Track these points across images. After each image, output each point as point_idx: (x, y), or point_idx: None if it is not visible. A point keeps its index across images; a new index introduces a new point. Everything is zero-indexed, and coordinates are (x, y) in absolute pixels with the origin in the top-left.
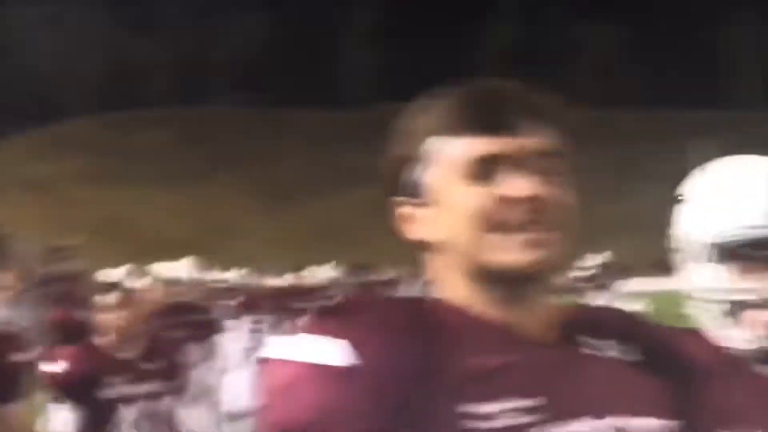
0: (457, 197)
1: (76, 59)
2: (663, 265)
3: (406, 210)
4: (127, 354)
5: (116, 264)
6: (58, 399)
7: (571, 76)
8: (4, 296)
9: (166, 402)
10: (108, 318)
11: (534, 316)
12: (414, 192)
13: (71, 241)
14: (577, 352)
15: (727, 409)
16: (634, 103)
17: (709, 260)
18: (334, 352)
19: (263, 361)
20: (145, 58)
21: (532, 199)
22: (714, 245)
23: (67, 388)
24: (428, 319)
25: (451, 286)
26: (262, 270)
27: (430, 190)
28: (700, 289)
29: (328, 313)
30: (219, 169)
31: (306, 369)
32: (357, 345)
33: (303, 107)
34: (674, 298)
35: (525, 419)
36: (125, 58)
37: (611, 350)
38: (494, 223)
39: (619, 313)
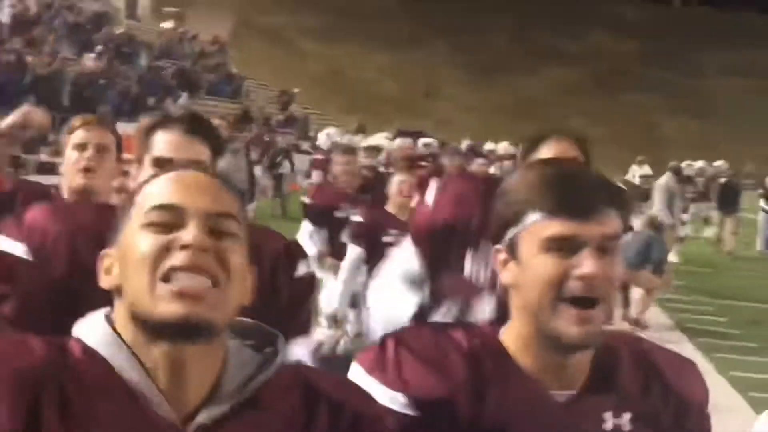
0: (539, 265)
1: None
2: None
3: (502, 257)
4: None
5: (333, 113)
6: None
7: None
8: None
9: None
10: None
11: (566, 373)
12: (511, 247)
13: (295, 88)
14: (597, 408)
15: None
16: None
17: None
18: None
19: None
20: None
21: (600, 277)
22: None
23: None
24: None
25: (516, 329)
26: None
27: (521, 252)
28: None
29: None
30: (435, 38)
31: None
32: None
33: None
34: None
35: None
36: None
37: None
38: (564, 295)
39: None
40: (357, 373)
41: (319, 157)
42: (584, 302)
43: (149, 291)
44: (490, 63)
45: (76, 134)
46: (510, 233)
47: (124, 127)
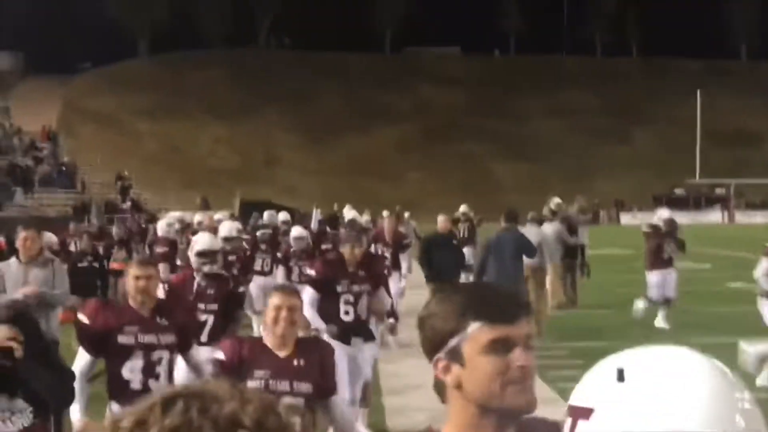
0: (487, 363)
1: (138, 5)
2: (660, 200)
3: (443, 364)
4: None
5: (171, 190)
6: None
7: (578, 24)
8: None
9: None
10: None
11: None
12: (453, 354)
13: (126, 170)
14: None
15: None
16: (641, 52)
17: None
18: None
19: None
20: (197, 4)
21: (531, 366)
22: None
23: None
24: None
25: (456, 422)
26: None
27: (466, 356)
28: None
29: None
30: (264, 106)
31: None
32: None
33: (339, 50)
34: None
35: None
36: (180, 5)
37: None
38: (509, 381)
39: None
40: None
41: (161, 249)
42: (523, 381)
43: None
44: (323, 126)
45: None
46: (452, 342)
47: None
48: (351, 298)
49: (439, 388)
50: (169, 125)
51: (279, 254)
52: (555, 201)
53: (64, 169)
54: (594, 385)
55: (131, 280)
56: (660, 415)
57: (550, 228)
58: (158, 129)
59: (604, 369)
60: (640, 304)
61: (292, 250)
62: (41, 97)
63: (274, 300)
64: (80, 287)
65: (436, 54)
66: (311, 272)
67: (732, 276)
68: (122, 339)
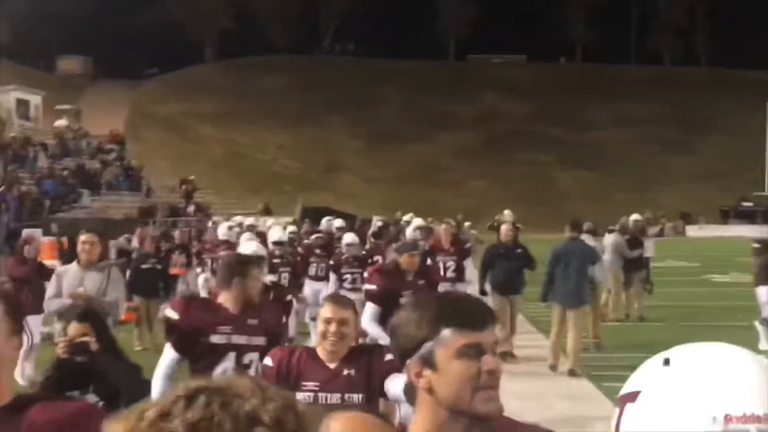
0: (459, 368)
1: (205, 11)
2: (728, 213)
3: (417, 369)
4: None
5: (235, 195)
6: None
7: (646, 33)
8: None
9: None
10: None
11: None
12: (426, 359)
13: (191, 175)
14: None
15: None
16: (709, 62)
17: None
18: None
19: None
20: (263, 11)
21: (499, 371)
22: None
23: None
24: None
25: (422, 424)
26: None
27: (438, 361)
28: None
29: None
30: (327, 112)
31: None
32: None
33: (403, 57)
34: (734, 245)
35: None
36: (248, 11)
37: None
38: (479, 386)
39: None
40: None
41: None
42: (489, 388)
43: None
44: (385, 133)
45: None
46: (425, 348)
47: (30, 233)
48: None
49: (410, 391)
50: (233, 131)
51: (331, 261)
52: (633, 217)
53: (130, 172)
54: (641, 372)
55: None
56: (703, 395)
57: (609, 240)
58: (223, 134)
59: (651, 360)
60: (759, 327)
61: (343, 257)
62: (109, 101)
63: (325, 312)
64: (143, 288)
65: (501, 62)
66: (370, 286)
67: None
68: (215, 339)
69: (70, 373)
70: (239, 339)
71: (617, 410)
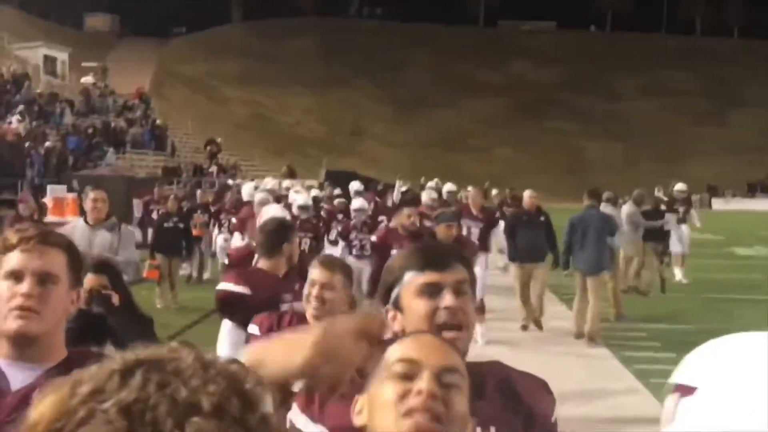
0: (417, 306)
1: None
2: (755, 187)
3: (391, 313)
4: None
5: (259, 157)
6: None
7: (678, 2)
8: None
9: None
10: None
11: None
12: (395, 302)
13: (219, 137)
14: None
15: None
16: (741, 33)
17: None
18: None
19: None
20: None
21: (458, 308)
22: None
23: None
24: None
25: None
26: None
27: (403, 303)
28: None
29: None
30: (353, 76)
31: None
32: None
33: (431, 22)
34: (760, 219)
35: None
36: None
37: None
38: (438, 323)
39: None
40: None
41: (244, 215)
42: (450, 327)
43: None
44: (412, 98)
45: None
46: (395, 292)
47: (54, 190)
48: None
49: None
50: (258, 92)
51: (339, 228)
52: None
53: (155, 131)
54: (699, 364)
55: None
56: (763, 394)
57: (624, 210)
58: (248, 96)
59: (710, 349)
60: None
61: (352, 222)
62: (136, 59)
63: (311, 274)
64: (165, 247)
65: (530, 28)
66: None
67: None
68: (283, 308)
69: (89, 324)
70: (299, 306)
71: (670, 401)
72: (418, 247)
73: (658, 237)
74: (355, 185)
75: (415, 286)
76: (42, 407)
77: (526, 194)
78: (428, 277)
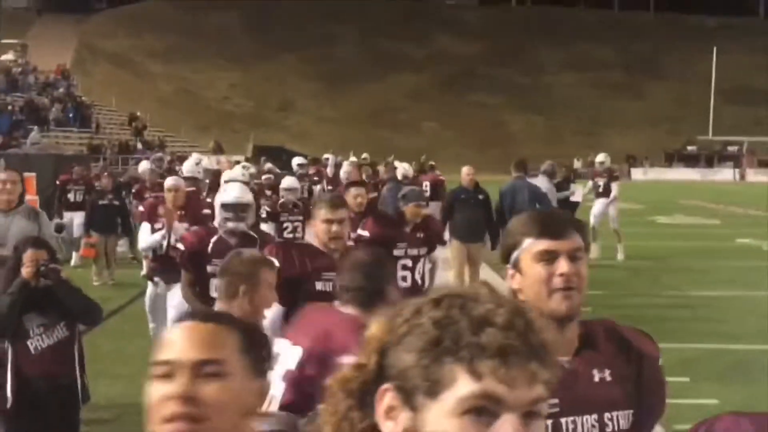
0: (536, 271)
1: None
2: (672, 157)
3: (511, 272)
4: None
5: (185, 132)
6: None
7: None
8: None
9: None
10: None
11: (562, 338)
12: (515, 264)
13: (139, 111)
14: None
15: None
16: (658, 7)
17: None
18: None
19: None
20: None
21: (573, 274)
22: None
23: None
24: None
25: None
26: None
27: (522, 266)
28: None
29: None
30: (280, 51)
31: None
32: None
33: None
34: (678, 188)
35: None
36: None
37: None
38: (554, 287)
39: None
40: None
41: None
42: (565, 290)
43: None
44: (339, 73)
45: None
46: (514, 255)
47: None
48: (409, 263)
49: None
50: (183, 68)
51: (267, 208)
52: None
53: (79, 109)
54: None
55: (321, 224)
56: None
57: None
58: (173, 71)
59: None
60: None
61: (280, 202)
62: (56, 36)
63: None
64: (101, 225)
65: (453, 3)
66: (364, 232)
67: (740, 233)
68: (320, 286)
69: (40, 296)
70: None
71: None
72: (537, 215)
73: (564, 208)
74: (297, 160)
75: (533, 252)
76: (374, 327)
77: (464, 170)
78: (545, 244)
